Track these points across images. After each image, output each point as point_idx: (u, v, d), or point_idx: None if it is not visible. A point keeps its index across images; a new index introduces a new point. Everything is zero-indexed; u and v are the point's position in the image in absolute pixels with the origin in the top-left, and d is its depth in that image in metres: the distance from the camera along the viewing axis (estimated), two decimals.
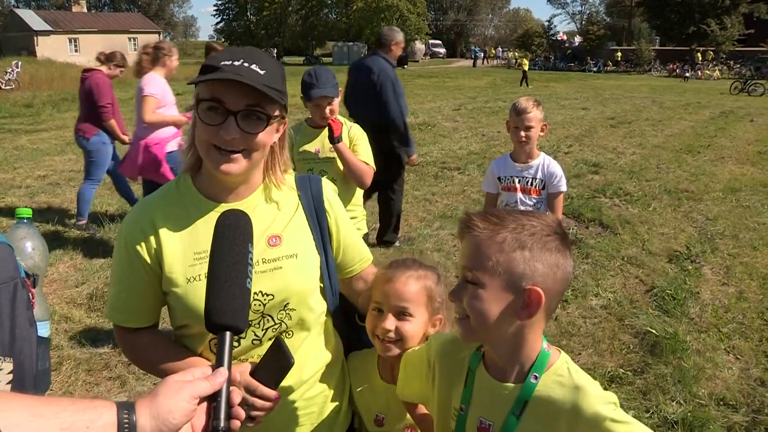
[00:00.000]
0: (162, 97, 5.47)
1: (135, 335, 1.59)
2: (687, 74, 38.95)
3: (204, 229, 1.49)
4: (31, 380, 1.44)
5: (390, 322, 1.60)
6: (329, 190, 1.68)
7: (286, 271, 1.51)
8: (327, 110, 3.38)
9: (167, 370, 1.56)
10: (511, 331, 1.24)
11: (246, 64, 1.37)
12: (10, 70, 25.38)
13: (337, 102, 3.42)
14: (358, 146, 3.52)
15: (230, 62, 1.37)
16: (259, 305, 1.48)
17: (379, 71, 5.68)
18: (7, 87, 24.15)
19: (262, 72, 1.38)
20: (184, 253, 1.48)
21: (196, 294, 1.45)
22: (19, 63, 27.01)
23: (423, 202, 7.97)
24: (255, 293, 1.47)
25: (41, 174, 9.28)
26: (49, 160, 10.38)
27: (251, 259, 1.18)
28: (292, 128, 3.54)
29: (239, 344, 1.51)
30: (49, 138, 12.66)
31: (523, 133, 3.34)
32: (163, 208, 1.53)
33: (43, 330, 1.55)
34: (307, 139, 3.51)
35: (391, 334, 1.60)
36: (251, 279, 1.17)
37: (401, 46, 5.93)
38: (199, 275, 1.46)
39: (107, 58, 6.51)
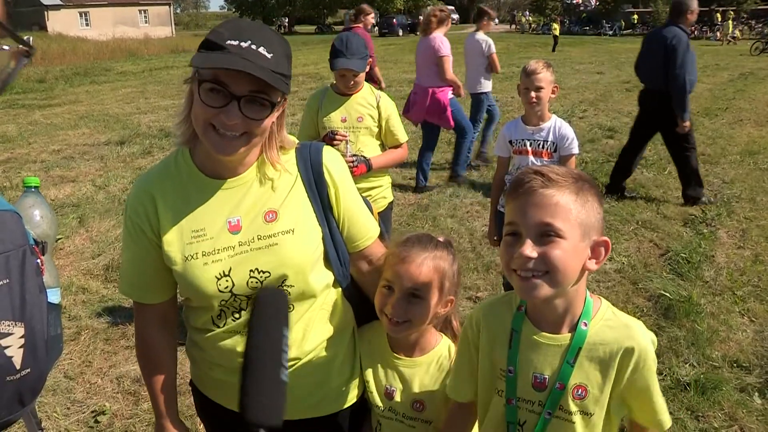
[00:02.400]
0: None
1: (146, 313, 1.62)
2: (729, 37, 35.16)
3: (202, 207, 1.48)
4: (43, 345, 1.46)
5: (400, 303, 1.56)
6: (331, 158, 1.59)
7: (282, 247, 1.48)
8: (351, 82, 3.32)
9: (147, 385, 1.67)
10: (576, 284, 1.29)
11: (254, 47, 1.31)
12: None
13: (362, 75, 3.34)
14: (391, 119, 3.44)
15: (237, 42, 1.30)
16: (257, 282, 1.47)
17: (673, 38, 6.01)
18: None
19: (269, 56, 1.32)
20: (182, 231, 1.48)
21: (195, 272, 1.46)
22: (31, 38, 26.67)
23: (436, 169, 7.93)
24: (251, 270, 1.46)
25: (56, 148, 9.35)
26: (63, 134, 10.44)
27: (286, 344, 1.14)
28: (317, 94, 3.54)
29: (240, 317, 1.51)
30: (63, 113, 12.72)
31: (533, 94, 3.30)
32: (163, 184, 1.51)
33: (54, 297, 1.57)
34: (333, 106, 3.40)
35: (401, 316, 1.57)
36: (286, 368, 1.11)
37: (696, 14, 6.23)
38: (197, 253, 1.46)
39: (356, 17, 7.60)
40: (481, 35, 7.53)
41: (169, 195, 1.50)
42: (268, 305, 1.19)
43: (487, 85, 7.63)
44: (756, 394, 3.30)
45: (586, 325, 1.32)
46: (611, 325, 1.32)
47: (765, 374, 3.48)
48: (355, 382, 1.71)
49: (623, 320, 1.34)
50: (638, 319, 3.94)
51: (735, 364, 3.58)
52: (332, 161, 1.59)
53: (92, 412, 3.29)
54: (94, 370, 3.65)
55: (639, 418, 1.37)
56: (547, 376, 1.34)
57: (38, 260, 1.51)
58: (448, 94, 6.80)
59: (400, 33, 47.78)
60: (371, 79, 7.16)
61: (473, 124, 7.58)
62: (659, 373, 3.49)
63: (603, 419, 1.34)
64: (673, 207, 6.35)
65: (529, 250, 1.21)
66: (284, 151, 1.55)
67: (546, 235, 1.21)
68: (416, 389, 1.66)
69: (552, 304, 1.32)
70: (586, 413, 1.33)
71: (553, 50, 27.98)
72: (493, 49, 7.43)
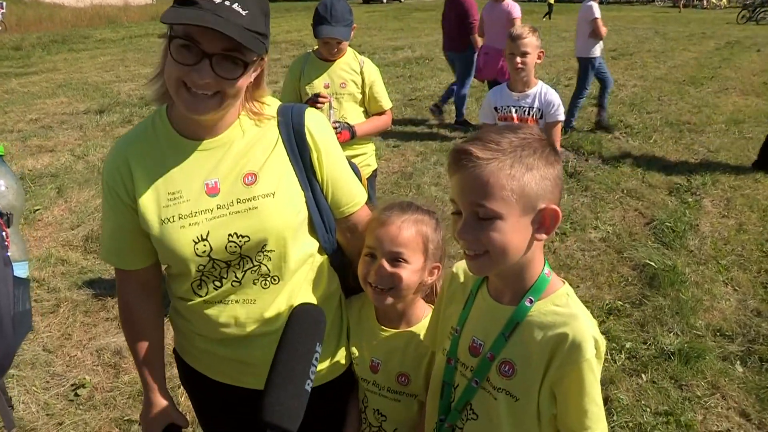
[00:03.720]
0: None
1: (127, 279, 1.58)
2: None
3: (178, 169, 1.43)
4: (9, 321, 1.40)
5: (383, 268, 1.51)
6: (314, 121, 1.52)
7: (262, 211, 1.43)
8: (335, 49, 3.23)
9: (133, 355, 1.63)
10: (525, 254, 1.22)
11: (227, 2, 1.25)
12: None
13: (346, 43, 3.25)
14: (375, 85, 3.36)
15: None
16: (235, 247, 1.43)
17: None
18: None
19: (243, 12, 1.26)
20: (158, 194, 1.43)
21: (172, 235, 1.41)
22: (5, 4, 26.14)
23: (420, 136, 7.86)
24: (230, 234, 1.42)
25: (33, 117, 9.13)
26: (41, 103, 10.19)
27: (317, 359, 1.12)
28: (300, 59, 3.45)
29: (221, 285, 1.47)
30: (40, 81, 12.41)
31: (519, 59, 3.23)
32: (138, 147, 1.46)
33: (21, 271, 1.51)
34: (316, 72, 3.31)
35: (385, 282, 1.52)
36: (312, 381, 1.10)
37: None
38: (173, 216, 1.41)
39: None
40: (591, 2, 7.69)
41: (145, 157, 1.44)
42: (305, 318, 1.17)
43: (594, 51, 7.69)
44: (738, 362, 3.32)
45: (531, 302, 1.24)
46: (558, 311, 1.22)
47: (747, 343, 3.50)
48: (342, 354, 1.67)
49: (574, 309, 1.22)
50: (623, 288, 3.97)
51: (718, 333, 3.60)
52: (315, 123, 1.53)
53: (72, 385, 3.24)
54: (74, 342, 3.60)
55: (562, 423, 1.23)
56: (482, 343, 1.30)
57: (3, 233, 1.45)
58: None
59: (384, 0, 47.12)
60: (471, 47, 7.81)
61: (581, 90, 7.91)
62: (644, 342, 3.50)
63: (532, 414, 1.25)
64: (658, 175, 6.34)
65: (465, 232, 1.17)
66: (265, 112, 1.49)
67: (482, 216, 1.16)
68: (401, 362, 1.62)
69: (501, 274, 1.27)
70: (511, 395, 1.26)
71: (548, 17, 27.48)
72: (596, 14, 7.50)
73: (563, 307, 1.23)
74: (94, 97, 10.58)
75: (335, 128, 3.12)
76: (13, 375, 3.30)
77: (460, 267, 1.47)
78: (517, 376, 1.25)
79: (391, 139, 7.64)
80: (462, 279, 1.43)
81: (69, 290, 4.14)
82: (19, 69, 14.25)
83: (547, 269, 1.27)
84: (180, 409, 1.69)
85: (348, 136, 3.18)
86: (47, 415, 3.04)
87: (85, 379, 3.27)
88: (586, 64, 7.76)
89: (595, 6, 7.59)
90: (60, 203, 5.72)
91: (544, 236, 1.21)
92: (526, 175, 1.15)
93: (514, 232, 1.16)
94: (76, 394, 3.17)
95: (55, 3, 36.29)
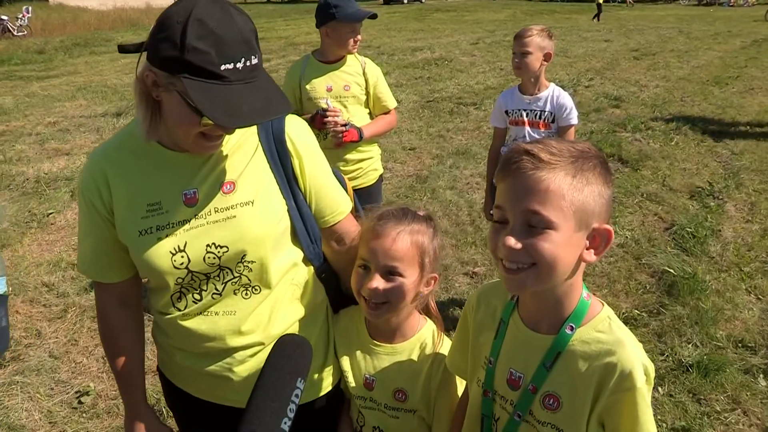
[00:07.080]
0: None
1: (105, 293, 1.54)
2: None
3: (158, 179, 1.38)
4: None
5: (377, 282, 1.44)
6: (295, 127, 1.48)
7: (240, 220, 1.38)
8: (351, 41, 3.10)
9: (112, 370, 1.59)
10: (569, 278, 1.13)
11: (248, 63, 1.21)
12: (21, 16, 25.03)
13: (359, 36, 3.15)
14: (378, 85, 3.27)
15: (232, 66, 1.19)
16: (214, 258, 1.38)
17: None
18: (20, 33, 23.89)
19: (255, 59, 1.23)
20: (136, 205, 1.37)
21: (149, 248, 1.36)
22: (30, 8, 26.56)
23: (437, 139, 7.76)
24: (208, 245, 1.37)
25: (51, 121, 9.19)
26: (60, 106, 10.28)
27: (297, 395, 1.04)
28: (299, 62, 3.36)
29: (201, 298, 1.42)
30: (60, 84, 12.54)
31: (517, 60, 3.14)
32: (117, 156, 1.41)
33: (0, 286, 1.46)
34: (316, 74, 3.19)
35: (379, 297, 1.45)
36: (290, 419, 1.02)
37: None
38: (151, 228, 1.36)
39: None
40: None
41: (123, 168, 1.40)
42: (286, 351, 1.10)
43: None
44: (761, 375, 3.18)
45: (572, 329, 1.16)
46: (602, 338, 1.15)
47: None
48: (330, 369, 1.62)
49: (618, 335, 1.15)
50: (640, 296, 3.82)
51: (740, 344, 3.46)
52: (296, 130, 1.48)
53: (76, 392, 3.21)
54: (80, 348, 3.57)
55: None
56: (522, 375, 1.23)
57: None
58: None
59: (405, 0, 47.02)
60: None
61: None
62: (661, 353, 3.38)
63: None
64: (679, 179, 6.18)
65: (514, 241, 1.07)
66: None
67: (534, 224, 1.07)
68: (397, 378, 1.55)
69: (539, 299, 1.19)
70: (558, 429, 1.18)
71: (597, 19, 26.73)
72: None
73: (606, 333, 1.15)
74: (113, 100, 10.64)
75: (343, 127, 3.04)
76: (18, 381, 3.28)
77: (483, 294, 1.40)
78: (563, 409, 1.17)
79: (407, 141, 7.55)
80: (488, 306, 1.35)
81: (78, 295, 4.12)
82: (42, 72, 14.42)
83: (586, 292, 1.19)
84: (167, 425, 1.64)
85: (355, 134, 3.09)
86: (50, 423, 3.01)
87: (89, 386, 3.24)
88: None
89: None
90: (73, 207, 5.72)
91: (593, 257, 1.13)
92: (586, 188, 1.08)
93: (566, 246, 1.08)
94: (80, 402, 3.14)
95: (79, 6, 36.74)
